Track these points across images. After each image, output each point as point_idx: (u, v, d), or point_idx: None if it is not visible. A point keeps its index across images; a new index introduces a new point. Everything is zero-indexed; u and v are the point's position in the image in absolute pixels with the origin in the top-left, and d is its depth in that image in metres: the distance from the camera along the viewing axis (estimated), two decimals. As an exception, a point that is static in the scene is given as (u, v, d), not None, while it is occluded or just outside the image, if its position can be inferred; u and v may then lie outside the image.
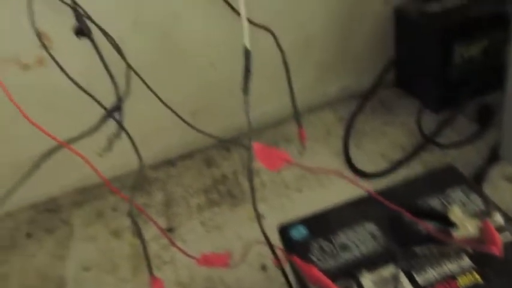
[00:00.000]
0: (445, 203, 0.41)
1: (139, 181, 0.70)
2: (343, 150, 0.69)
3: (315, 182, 0.66)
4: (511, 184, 0.59)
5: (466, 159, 0.63)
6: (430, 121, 0.71)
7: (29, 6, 0.57)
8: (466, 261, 0.35)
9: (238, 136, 0.78)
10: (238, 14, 0.62)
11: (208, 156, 0.77)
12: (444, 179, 0.43)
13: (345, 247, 0.39)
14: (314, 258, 0.39)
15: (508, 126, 0.59)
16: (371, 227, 0.40)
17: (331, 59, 0.78)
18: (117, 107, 0.66)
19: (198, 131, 0.72)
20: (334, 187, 0.63)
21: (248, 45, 0.43)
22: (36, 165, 0.71)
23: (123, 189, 0.72)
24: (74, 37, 0.62)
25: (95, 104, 0.65)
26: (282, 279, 0.40)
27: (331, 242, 0.40)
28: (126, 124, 0.68)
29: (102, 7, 0.61)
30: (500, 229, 0.37)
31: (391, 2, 0.76)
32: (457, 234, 0.36)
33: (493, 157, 0.61)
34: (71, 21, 0.61)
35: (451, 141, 0.67)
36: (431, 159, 0.65)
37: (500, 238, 0.35)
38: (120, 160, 0.72)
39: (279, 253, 0.41)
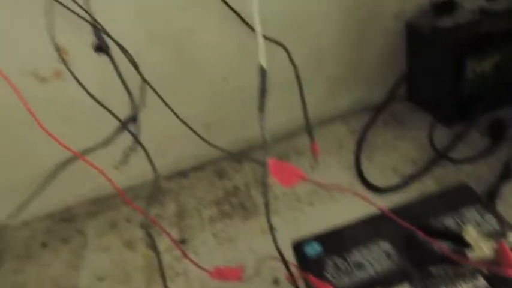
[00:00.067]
0: (459, 222, 0.41)
1: (154, 193, 0.71)
2: (355, 164, 0.70)
3: (327, 196, 0.66)
4: (525, 201, 0.59)
5: (478, 174, 0.63)
6: (442, 135, 0.71)
7: (49, 20, 0.59)
8: (482, 282, 0.36)
9: (249, 148, 0.79)
10: (252, 29, 0.63)
11: (219, 168, 0.78)
12: (458, 197, 0.43)
13: (359, 265, 0.40)
14: (328, 276, 0.39)
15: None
16: (386, 245, 0.41)
17: (343, 73, 0.79)
18: (133, 119, 0.68)
19: (211, 145, 0.73)
20: (346, 201, 0.64)
21: (264, 64, 0.44)
22: (53, 175, 0.73)
23: (136, 200, 0.74)
24: (90, 51, 0.64)
25: (110, 116, 0.67)
26: (296, 295, 0.41)
27: (345, 259, 0.40)
28: (140, 135, 0.69)
29: (120, 23, 0.63)
30: (515, 250, 0.37)
31: (403, 17, 0.76)
32: (472, 255, 0.37)
33: (506, 173, 0.61)
34: (87, 35, 0.62)
35: (464, 156, 0.67)
36: (443, 174, 0.65)
37: (515, 260, 0.35)
38: (133, 171, 0.73)
39: (293, 269, 0.41)
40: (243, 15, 0.65)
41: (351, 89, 0.81)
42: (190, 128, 0.72)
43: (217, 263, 0.61)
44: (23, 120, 0.55)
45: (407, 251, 0.40)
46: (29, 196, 0.72)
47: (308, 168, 0.72)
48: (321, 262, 0.41)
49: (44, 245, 0.70)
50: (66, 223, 0.73)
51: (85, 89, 0.64)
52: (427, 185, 0.64)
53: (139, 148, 0.68)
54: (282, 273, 0.49)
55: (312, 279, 0.38)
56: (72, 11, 0.58)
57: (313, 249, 0.42)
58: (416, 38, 0.76)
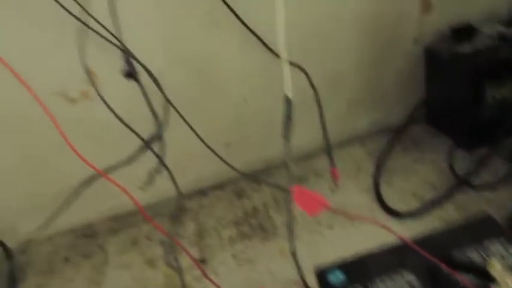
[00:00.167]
0: (483, 255, 0.41)
1: (176, 213, 0.73)
2: (374, 188, 0.70)
3: (346, 219, 0.66)
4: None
5: (499, 201, 0.63)
6: (461, 160, 0.71)
7: (80, 44, 0.61)
8: (507, 318, 0.36)
9: (268, 168, 0.80)
10: (275, 55, 0.64)
11: (238, 188, 0.79)
12: (482, 229, 0.44)
13: (383, 296, 0.40)
14: (352, 305, 0.40)
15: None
16: (409, 276, 0.41)
17: (361, 95, 0.80)
18: (158, 137, 0.70)
19: (230, 166, 0.74)
20: (365, 226, 0.64)
21: (290, 95, 0.45)
22: (77, 192, 0.75)
23: (156, 217, 0.75)
24: (118, 74, 0.66)
25: (134, 135, 0.69)
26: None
27: (369, 289, 0.41)
28: (165, 156, 0.71)
29: (147, 47, 0.65)
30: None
31: (422, 41, 0.77)
32: (498, 290, 0.37)
33: (528, 201, 0.61)
34: (116, 59, 0.65)
35: (484, 181, 0.67)
36: (464, 201, 0.65)
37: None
38: (154, 189, 0.75)
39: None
40: (265, 40, 0.67)
41: (369, 111, 0.82)
42: (210, 149, 0.73)
43: (237, 284, 0.62)
44: (51, 139, 0.57)
45: (431, 283, 0.40)
46: (56, 211, 0.75)
47: (327, 191, 0.72)
48: (344, 291, 0.41)
49: (67, 260, 0.72)
50: (88, 239, 0.75)
51: (112, 110, 0.66)
52: (448, 211, 0.64)
53: (163, 169, 0.70)
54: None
55: (336, 308, 0.39)
56: (103, 36, 0.60)
57: (337, 278, 0.43)
58: (435, 62, 0.77)
